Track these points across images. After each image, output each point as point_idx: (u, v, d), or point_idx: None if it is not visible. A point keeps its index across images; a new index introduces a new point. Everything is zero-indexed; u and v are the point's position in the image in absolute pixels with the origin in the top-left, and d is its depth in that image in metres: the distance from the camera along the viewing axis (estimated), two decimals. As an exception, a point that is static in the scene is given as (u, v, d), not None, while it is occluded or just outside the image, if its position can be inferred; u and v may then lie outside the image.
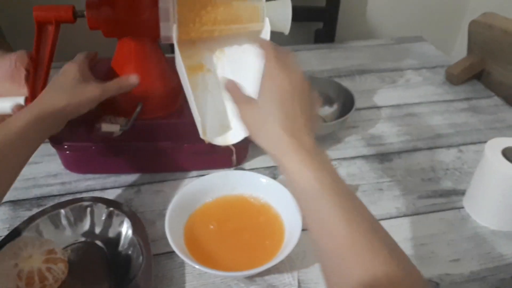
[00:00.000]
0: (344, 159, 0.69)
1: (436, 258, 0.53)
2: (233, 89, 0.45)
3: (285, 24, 0.54)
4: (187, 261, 0.46)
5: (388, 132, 0.75)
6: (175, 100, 0.59)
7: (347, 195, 0.36)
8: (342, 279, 0.33)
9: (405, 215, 0.59)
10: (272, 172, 0.64)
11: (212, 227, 0.52)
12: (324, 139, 0.72)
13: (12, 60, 0.58)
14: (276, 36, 1.09)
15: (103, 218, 0.53)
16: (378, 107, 0.81)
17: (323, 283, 0.36)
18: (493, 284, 0.50)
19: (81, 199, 0.54)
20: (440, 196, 0.62)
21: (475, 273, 0.51)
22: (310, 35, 1.14)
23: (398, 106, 0.81)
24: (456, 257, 0.53)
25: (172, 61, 0.51)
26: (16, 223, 0.51)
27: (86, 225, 0.53)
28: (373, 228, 0.34)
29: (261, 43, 0.45)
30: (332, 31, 1.10)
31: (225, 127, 0.54)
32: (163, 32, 0.49)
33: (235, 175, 0.58)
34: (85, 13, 0.50)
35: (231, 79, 0.46)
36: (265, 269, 0.46)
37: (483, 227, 0.57)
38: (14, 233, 0.49)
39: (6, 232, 0.52)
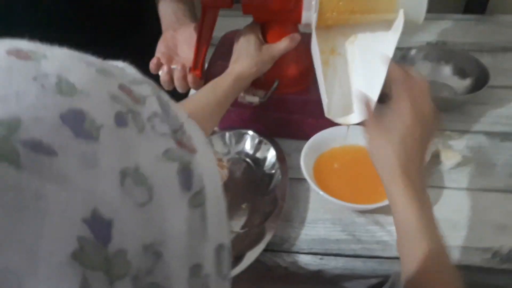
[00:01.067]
0: (467, 131, 0.74)
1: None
2: (365, 102, 0.51)
3: (420, 15, 0.58)
4: (313, 186, 0.60)
5: (518, 114, 0.77)
6: (307, 79, 0.69)
7: (438, 239, 0.42)
8: None
9: (510, 191, 0.65)
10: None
11: (336, 166, 0.66)
12: (452, 111, 0.78)
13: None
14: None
15: (256, 143, 0.70)
16: (515, 88, 0.83)
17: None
18: None
19: (241, 129, 0.71)
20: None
21: None
22: (460, 2, 1.13)
23: (537, 89, 0.82)
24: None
25: (307, 41, 0.61)
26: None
27: (242, 146, 0.71)
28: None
29: (393, 70, 0.50)
30: (484, 1, 1.08)
31: (347, 109, 0.62)
32: (304, 20, 0.59)
33: (355, 129, 0.68)
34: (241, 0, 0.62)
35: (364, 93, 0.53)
36: (374, 207, 0.58)
37: None
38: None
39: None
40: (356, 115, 0.64)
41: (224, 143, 0.70)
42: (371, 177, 0.64)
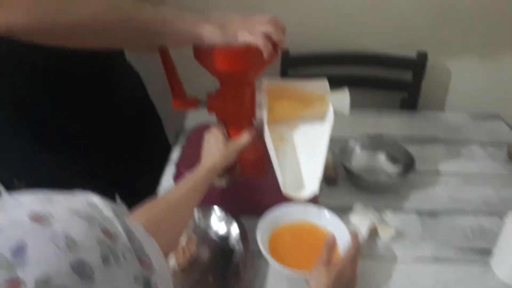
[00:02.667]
0: (400, 210, 0.88)
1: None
2: (327, 248, 0.67)
3: (345, 108, 0.75)
4: (267, 257, 0.70)
5: (442, 194, 0.92)
6: (264, 162, 0.81)
7: None
8: None
9: (438, 262, 0.77)
10: (341, 211, 0.86)
11: (290, 238, 0.76)
12: (387, 192, 0.92)
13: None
14: (367, 101, 1.31)
15: (221, 219, 0.80)
16: (439, 173, 0.98)
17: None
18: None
19: (208, 206, 0.81)
20: (472, 252, 0.78)
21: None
22: (396, 101, 1.34)
23: (456, 174, 0.98)
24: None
25: (261, 132, 0.75)
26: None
27: (209, 221, 0.80)
28: None
29: (353, 236, 0.70)
30: (415, 101, 1.29)
31: (299, 186, 0.76)
32: (257, 116, 0.75)
33: (308, 207, 0.80)
34: (205, 101, 0.75)
35: (334, 236, 0.70)
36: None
37: (503, 282, 0.73)
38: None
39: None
40: (307, 191, 0.76)
41: (193, 218, 0.80)
42: (318, 248, 0.75)
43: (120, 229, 0.32)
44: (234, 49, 0.65)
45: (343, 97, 0.76)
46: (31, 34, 0.55)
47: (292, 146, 0.79)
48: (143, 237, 0.35)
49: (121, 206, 0.96)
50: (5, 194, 0.32)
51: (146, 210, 0.60)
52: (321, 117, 0.78)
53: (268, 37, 0.64)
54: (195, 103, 0.77)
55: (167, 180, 0.93)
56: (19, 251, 0.26)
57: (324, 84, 0.77)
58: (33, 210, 0.29)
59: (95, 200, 0.35)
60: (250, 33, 0.64)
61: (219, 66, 0.67)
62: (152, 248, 0.35)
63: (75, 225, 0.30)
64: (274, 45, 0.66)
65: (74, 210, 0.31)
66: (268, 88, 0.76)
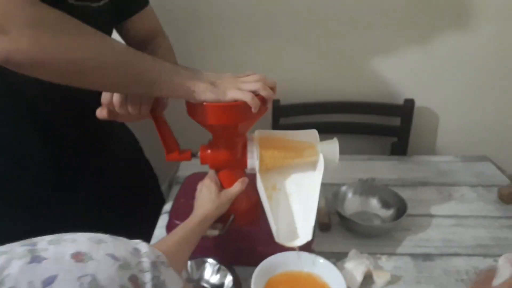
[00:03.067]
0: (394, 254, 0.88)
1: None
2: None
3: (335, 157, 0.78)
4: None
5: (435, 237, 0.92)
6: (257, 211, 0.81)
7: None
8: None
9: (435, 305, 0.76)
10: (336, 257, 0.86)
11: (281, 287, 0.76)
12: (381, 236, 0.92)
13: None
14: (358, 147, 1.34)
15: (214, 270, 0.79)
16: (431, 216, 0.99)
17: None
18: None
19: (201, 257, 0.81)
20: (468, 295, 0.78)
21: None
22: (387, 146, 1.37)
23: (449, 216, 0.99)
24: None
25: (253, 181, 0.77)
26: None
27: (202, 273, 0.80)
28: None
29: None
30: (404, 146, 1.32)
31: (293, 234, 0.77)
32: (249, 166, 0.77)
33: (302, 254, 0.80)
34: (198, 154, 0.78)
35: None
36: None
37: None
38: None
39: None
40: (300, 239, 0.77)
41: (185, 270, 0.80)
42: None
43: (149, 279, 0.36)
44: (223, 105, 0.68)
45: (332, 146, 0.79)
46: (31, 65, 0.55)
47: (284, 194, 0.80)
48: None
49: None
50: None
51: None
52: (312, 166, 0.80)
53: (256, 94, 0.68)
54: (188, 155, 0.80)
55: (159, 231, 0.94)
56: (49, 282, 0.31)
57: (313, 133, 0.80)
58: (78, 249, 0.34)
59: (143, 247, 0.39)
60: (239, 91, 0.68)
61: (209, 120, 0.70)
62: None
63: (105, 269, 0.33)
64: (263, 101, 0.69)
65: (113, 255, 0.35)
66: (259, 138, 0.79)
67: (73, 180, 0.86)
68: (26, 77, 0.57)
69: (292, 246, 0.75)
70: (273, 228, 0.75)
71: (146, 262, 0.37)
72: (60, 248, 0.34)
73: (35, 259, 0.32)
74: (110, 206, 0.92)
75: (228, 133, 0.76)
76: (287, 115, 1.32)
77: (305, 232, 0.76)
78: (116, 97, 0.70)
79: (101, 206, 0.91)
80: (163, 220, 0.98)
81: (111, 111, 0.72)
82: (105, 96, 0.70)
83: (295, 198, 0.79)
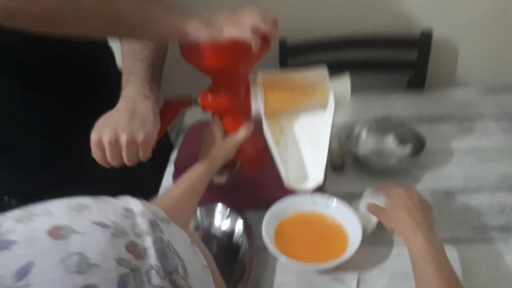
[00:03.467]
0: (412, 192, 0.83)
1: (478, 276, 0.67)
2: (374, 209, 0.72)
3: (346, 94, 0.72)
4: (274, 252, 0.67)
5: (456, 173, 0.87)
6: (264, 157, 0.77)
7: (444, 263, 0.58)
8: None
9: (457, 242, 0.72)
10: (349, 197, 0.82)
11: (295, 230, 0.73)
12: (398, 175, 0.88)
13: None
14: (372, 84, 1.28)
15: (224, 216, 0.77)
16: (451, 151, 0.94)
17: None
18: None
19: (211, 203, 0.78)
20: (492, 230, 0.74)
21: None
22: (403, 82, 1.29)
23: (470, 151, 0.93)
24: (497, 277, 0.66)
25: (260, 125, 0.72)
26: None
27: (211, 219, 0.78)
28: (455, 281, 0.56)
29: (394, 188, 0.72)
30: (422, 80, 1.24)
31: (303, 177, 0.73)
32: (254, 111, 0.71)
33: (314, 197, 0.77)
34: (199, 101, 0.73)
35: (374, 203, 0.73)
36: (334, 265, 0.65)
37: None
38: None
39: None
40: (311, 182, 0.73)
41: (194, 217, 0.77)
42: (326, 241, 0.72)
43: (150, 244, 0.28)
44: (221, 45, 0.62)
45: (343, 83, 0.72)
46: (6, 15, 0.52)
47: (293, 137, 0.76)
48: (187, 252, 0.31)
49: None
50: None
51: None
52: (323, 106, 0.74)
53: (256, 30, 0.61)
54: (188, 103, 0.75)
55: (167, 180, 0.91)
56: (24, 273, 0.23)
57: (323, 72, 0.73)
58: (55, 223, 0.26)
59: (135, 205, 0.32)
60: (237, 27, 0.61)
61: (206, 63, 0.64)
62: (196, 266, 0.31)
63: (94, 242, 0.26)
64: (264, 38, 0.63)
65: (101, 222, 0.28)
66: (263, 80, 0.73)
67: (69, 133, 0.82)
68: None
69: (303, 190, 0.72)
70: (282, 172, 0.71)
71: (143, 224, 0.30)
72: (31, 225, 0.26)
73: (1, 245, 0.24)
74: None
75: (228, 76, 0.70)
76: (295, 54, 1.24)
77: (316, 174, 0.72)
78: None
79: None
80: (170, 169, 0.95)
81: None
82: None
83: (305, 141, 0.75)
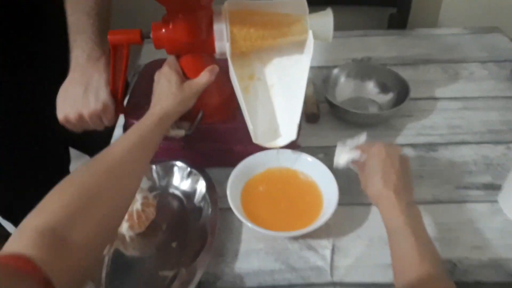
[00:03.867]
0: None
1: (459, 243, 0.61)
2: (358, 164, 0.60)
3: (328, 34, 0.60)
4: (241, 218, 0.58)
5: (440, 123, 0.80)
6: (231, 106, 0.67)
7: (423, 237, 0.50)
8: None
9: (439, 202, 0.66)
10: (325, 151, 0.74)
11: (262, 191, 0.64)
12: (378, 125, 0.79)
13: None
14: (350, 20, 1.15)
15: (184, 175, 0.67)
16: (435, 99, 0.86)
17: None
18: (508, 272, 0.57)
19: (169, 160, 0.68)
20: (476, 189, 0.68)
21: (493, 261, 0.58)
22: (384, 19, 1.18)
23: (455, 98, 0.86)
24: (479, 244, 0.60)
25: (226, 68, 0.60)
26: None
27: (170, 178, 0.68)
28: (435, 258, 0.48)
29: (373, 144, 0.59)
30: (405, 17, 1.14)
31: (274, 132, 0.63)
32: (218, 50, 0.59)
33: (284, 152, 0.67)
34: (151, 35, 0.59)
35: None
36: (306, 232, 0.57)
37: (512, 221, 0.63)
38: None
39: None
40: (283, 138, 0.63)
41: (150, 177, 0.67)
42: (298, 202, 0.63)
43: None
44: None
45: (325, 19, 0.60)
46: None
47: (264, 84, 0.64)
48: None
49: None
50: None
51: (79, 175, 0.47)
52: (299, 46, 0.62)
53: None
54: (136, 37, 0.60)
55: (119, 130, 0.79)
56: None
57: (301, 3, 0.60)
58: None
59: None
60: None
61: None
62: None
63: None
64: None
65: None
66: (230, 12, 0.59)
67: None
68: None
69: (273, 147, 0.62)
70: (250, 126, 0.61)
71: None
72: None
73: None
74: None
75: (184, 4, 0.56)
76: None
77: (288, 129, 0.62)
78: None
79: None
80: (122, 117, 0.82)
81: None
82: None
83: (277, 89, 0.64)
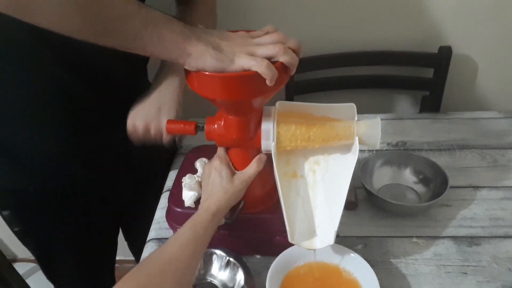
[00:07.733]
0: (433, 237, 0.75)
1: None
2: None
3: (376, 141, 0.61)
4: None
5: (481, 214, 0.79)
6: (272, 198, 0.68)
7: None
8: None
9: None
10: (364, 242, 0.74)
11: (304, 284, 0.64)
12: (417, 215, 0.79)
13: None
14: (382, 103, 1.17)
15: (223, 264, 0.68)
16: (475, 187, 0.85)
17: None
18: None
19: (208, 248, 0.69)
20: (525, 290, 0.65)
21: None
22: (416, 102, 1.21)
23: (495, 188, 0.85)
24: None
25: (271, 161, 0.62)
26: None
27: (209, 267, 0.69)
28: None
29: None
30: (437, 101, 1.15)
31: (311, 233, 0.63)
32: (264, 147, 0.62)
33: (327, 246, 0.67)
34: (204, 127, 0.64)
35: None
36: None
37: None
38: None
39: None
40: (320, 241, 0.63)
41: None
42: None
43: None
44: (229, 75, 0.52)
45: (373, 127, 0.61)
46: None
47: (306, 182, 0.65)
48: None
49: None
50: None
51: (135, 276, 0.48)
52: (345, 148, 0.64)
53: (273, 61, 0.52)
54: (192, 129, 0.65)
55: (161, 213, 0.82)
56: None
57: (350, 108, 0.62)
58: None
59: None
60: (250, 56, 0.51)
61: (211, 94, 0.54)
62: None
63: None
64: (283, 68, 0.53)
65: None
66: (279, 113, 0.62)
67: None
68: None
69: (310, 248, 0.62)
70: (287, 225, 0.61)
71: None
72: None
73: None
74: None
75: (237, 109, 0.60)
76: (302, 70, 1.15)
77: (326, 232, 0.62)
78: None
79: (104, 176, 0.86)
80: (164, 199, 0.85)
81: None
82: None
83: (319, 189, 0.64)
